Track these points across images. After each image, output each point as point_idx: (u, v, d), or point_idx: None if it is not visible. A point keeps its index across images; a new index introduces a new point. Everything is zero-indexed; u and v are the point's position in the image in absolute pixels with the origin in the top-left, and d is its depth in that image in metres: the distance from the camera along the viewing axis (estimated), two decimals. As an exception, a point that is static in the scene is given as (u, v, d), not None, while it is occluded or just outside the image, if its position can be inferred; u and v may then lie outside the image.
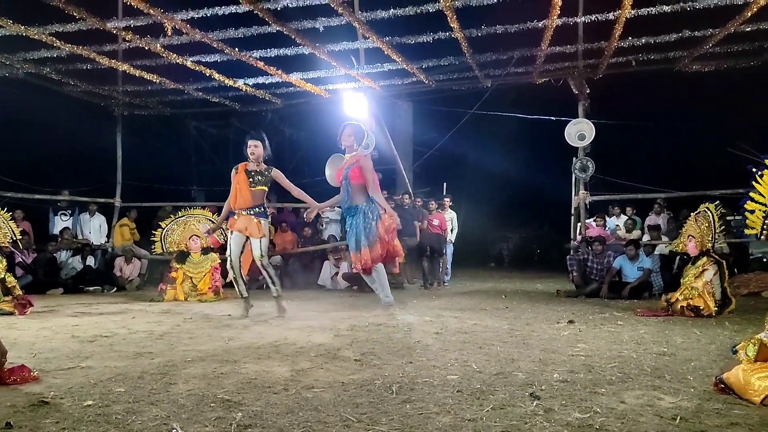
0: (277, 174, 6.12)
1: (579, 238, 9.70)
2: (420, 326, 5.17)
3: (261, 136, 6.13)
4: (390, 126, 11.50)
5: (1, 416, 2.46)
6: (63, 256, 10.15)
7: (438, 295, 8.56)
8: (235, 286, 6.09)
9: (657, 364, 3.59)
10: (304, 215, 6.49)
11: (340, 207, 7.60)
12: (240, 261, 6.08)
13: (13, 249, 8.07)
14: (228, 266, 6.05)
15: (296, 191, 6.20)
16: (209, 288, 8.00)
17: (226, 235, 8.28)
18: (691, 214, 6.83)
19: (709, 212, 6.50)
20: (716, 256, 6.38)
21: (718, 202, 6.65)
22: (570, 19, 7.56)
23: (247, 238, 6.00)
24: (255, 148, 6.02)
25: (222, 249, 8.22)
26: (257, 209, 6.01)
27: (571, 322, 5.50)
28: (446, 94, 10.91)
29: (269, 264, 6.07)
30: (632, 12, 7.01)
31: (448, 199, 10.96)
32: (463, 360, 3.66)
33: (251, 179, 6.00)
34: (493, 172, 17.22)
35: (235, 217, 6.04)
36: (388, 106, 11.91)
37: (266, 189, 6.13)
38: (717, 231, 6.43)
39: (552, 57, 8.95)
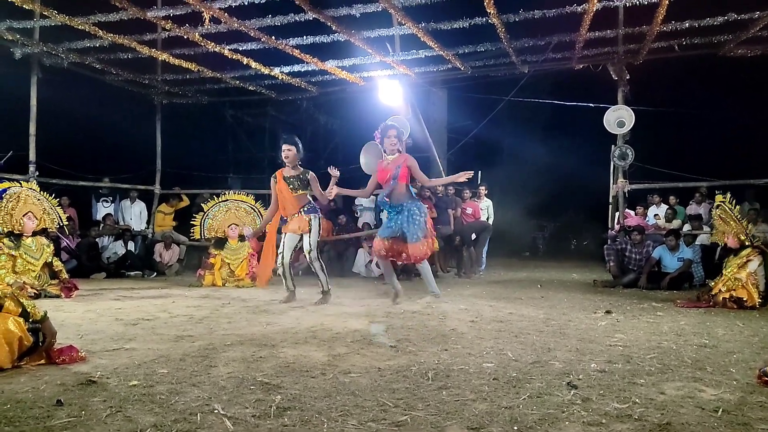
0: (312, 177, 6.18)
1: (617, 227, 9.53)
2: (455, 314, 5.17)
3: (294, 140, 6.21)
4: (424, 113, 11.44)
5: (52, 394, 2.56)
6: (105, 241, 10.43)
7: (472, 284, 8.53)
8: (283, 281, 6.19)
9: (698, 355, 3.52)
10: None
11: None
12: (290, 258, 6.17)
13: (59, 234, 8.34)
14: (278, 263, 6.13)
15: (321, 196, 6.18)
16: (246, 274, 8.15)
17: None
18: (713, 212, 6.80)
19: (725, 208, 6.45)
20: (762, 247, 6.23)
21: (726, 192, 6.62)
22: (610, 3, 7.39)
23: (302, 236, 6.10)
24: (288, 152, 6.12)
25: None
26: (305, 208, 6.12)
27: (608, 312, 5.43)
28: (482, 80, 10.78)
29: (318, 258, 6.12)
30: (675, -6, 6.81)
31: (483, 188, 10.87)
32: (499, 348, 3.66)
33: (291, 186, 6.10)
34: (529, 159, 16.96)
35: (288, 221, 6.15)
36: (423, 93, 11.84)
37: (307, 192, 6.20)
38: (743, 221, 6.41)
39: (591, 42, 8.75)
